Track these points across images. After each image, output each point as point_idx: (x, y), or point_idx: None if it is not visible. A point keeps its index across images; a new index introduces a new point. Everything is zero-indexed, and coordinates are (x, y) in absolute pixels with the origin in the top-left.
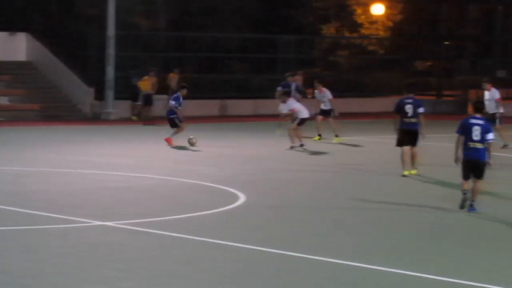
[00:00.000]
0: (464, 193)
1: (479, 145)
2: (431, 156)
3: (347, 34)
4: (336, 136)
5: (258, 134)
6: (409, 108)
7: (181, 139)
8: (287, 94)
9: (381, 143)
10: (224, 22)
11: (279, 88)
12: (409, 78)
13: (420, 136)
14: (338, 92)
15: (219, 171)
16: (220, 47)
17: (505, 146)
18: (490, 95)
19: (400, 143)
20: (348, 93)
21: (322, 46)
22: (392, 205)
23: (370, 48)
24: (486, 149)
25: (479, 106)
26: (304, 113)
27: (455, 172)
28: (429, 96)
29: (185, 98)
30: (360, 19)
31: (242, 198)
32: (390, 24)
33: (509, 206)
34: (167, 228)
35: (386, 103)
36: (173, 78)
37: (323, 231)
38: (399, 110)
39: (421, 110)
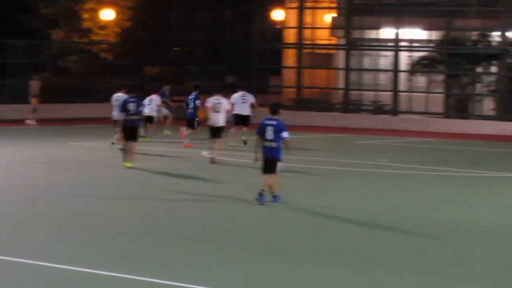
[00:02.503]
0: (261, 192)
1: (272, 144)
2: (155, 157)
3: (76, 39)
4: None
5: None
6: (132, 106)
7: None
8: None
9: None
10: None
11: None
12: (139, 83)
13: (138, 131)
14: (68, 97)
15: None
16: None
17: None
18: None
19: (124, 137)
20: (78, 99)
21: (52, 51)
22: (110, 202)
23: (100, 53)
24: (281, 147)
25: (275, 108)
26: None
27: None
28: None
29: None
30: (89, 24)
31: None
32: (120, 30)
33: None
34: None
35: None
36: None
37: (31, 234)
38: (124, 108)
39: (142, 108)
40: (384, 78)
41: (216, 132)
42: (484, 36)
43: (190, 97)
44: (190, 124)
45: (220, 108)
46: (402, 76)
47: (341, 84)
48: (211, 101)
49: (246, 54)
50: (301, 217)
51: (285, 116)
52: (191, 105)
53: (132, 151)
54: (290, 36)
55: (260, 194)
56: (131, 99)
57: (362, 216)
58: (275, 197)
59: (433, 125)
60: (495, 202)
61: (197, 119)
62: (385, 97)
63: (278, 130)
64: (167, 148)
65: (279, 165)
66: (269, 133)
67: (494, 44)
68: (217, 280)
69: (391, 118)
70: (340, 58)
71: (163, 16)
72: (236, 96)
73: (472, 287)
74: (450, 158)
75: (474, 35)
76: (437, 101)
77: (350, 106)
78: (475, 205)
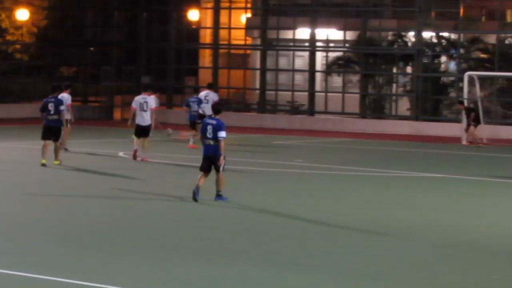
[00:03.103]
0: (196, 189)
1: (211, 142)
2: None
3: None
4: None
5: None
6: (51, 106)
7: None
8: None
9: (27, 149)
10: None
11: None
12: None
13: (62, 131)
14: None
15: None
16: None
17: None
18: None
19: (44, 137)
20: None
21: None
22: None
23: (15, 53)
24: (219, 145)
25: (217, 107)
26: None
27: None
28: (76, 102)
29: None
30: (4, 24)
31: None
32: (35, 30)
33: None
34: None
35: (32, 109)
36: None
37: None
38: (44, 108)
39: (62, 108)
40: (300, 78)
41: (143, 131)
42: (400, 36)
43: (192, 99)
44: (192, 125)
45: (147, 107)
46: (318, 76)
47: (257, 85)
48: (138, 100)
49: (162, 55)
50: (220, 217)
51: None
52: (194, 107)
53: (58, 149)
54: (206, 36)
55: (218, 195)
56: (50, 100)
57: (281, 216)
58: (218, 196)
59: (349, 125)
60: (411, 201)
61: (198, 121)
62: (301, 97)
63: (217, 129)
64: (95, 149)
65: (223, 163)
66: (209, 132)
67: (409, 44)
68: (131, 280)
69: (307, 118)
70: (256, 58)
71: (78, 16)
72: (201, 94)
73: (388, 286)
74: (367, 158)
75: (389, 35)
76: (353, 101)
77: (266, 106)
78: (392, 205)
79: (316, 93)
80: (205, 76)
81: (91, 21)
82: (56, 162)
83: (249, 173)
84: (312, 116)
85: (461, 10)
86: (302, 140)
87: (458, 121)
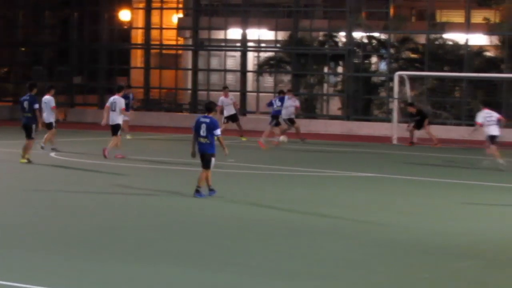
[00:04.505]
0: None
1: (204, 140)
2: None
3: None
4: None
5: None
6: (26, 104)
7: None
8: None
9: None
10: None
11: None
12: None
13: (34, 128)
14: None
15: None
16: None
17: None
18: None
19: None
20: None
21: None
22: None
23: None
24: (214, 144)
25: (210, 106)
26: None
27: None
28: (7, 102)
29: None
30: None
31: None
32: None
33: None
34: None
35: None
36: None
37: None
38: (21, 107)
39: (36, 106)
40: (231, 79)
41: (112, 129)
42: (330, 36)
43: (275, 99)
44: (277, 123)
45: (116, 107)
46: (250, 77)
47: (189, 85)
48: (110, 100)
49: (94, 55)
50: (152, 217)
51: (132, 117)
52: (277, 104)
53: (28, 147)
54: (138, 36)
55: (197, 191)
56: (25, 98)
57: (216, 216)
58: (211, 191)
59: (282, 125)
60: (346, 201)
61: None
62: (233, 97)
63: (210, 127)
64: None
65: (213, 160)
66: (203, 130)
67: (340, 44)
68: (56, 280)
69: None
70: (188, 58)
71: (9, 16)
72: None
73: (325, 285)
74: (299, 158)
75: (320, 35)
76: None
77: (198, 106)
78: (326, 205)
79: (248, 93)
80: (136, 76)
81: (22, 21)
82: (23, 160)
83: (183, 173)
84: (244, 116)
85: (391, 11)
86: (234, 140)
87: (388, 120)
